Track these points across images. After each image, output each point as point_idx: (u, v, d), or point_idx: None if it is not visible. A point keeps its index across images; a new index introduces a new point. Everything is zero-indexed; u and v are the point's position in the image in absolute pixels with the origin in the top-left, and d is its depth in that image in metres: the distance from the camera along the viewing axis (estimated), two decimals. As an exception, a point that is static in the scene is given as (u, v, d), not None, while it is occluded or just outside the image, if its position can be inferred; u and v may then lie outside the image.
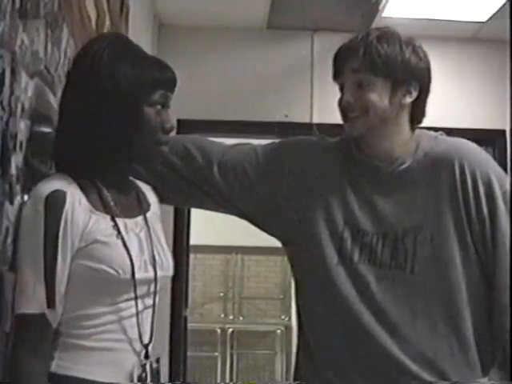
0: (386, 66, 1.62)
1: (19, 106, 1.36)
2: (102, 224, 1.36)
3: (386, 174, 1.68)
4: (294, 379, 1.81)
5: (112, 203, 1.40)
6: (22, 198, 1.42)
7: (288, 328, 6.80)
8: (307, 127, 4.08)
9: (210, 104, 4.15)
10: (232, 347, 6.98)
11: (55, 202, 1.31)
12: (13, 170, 1.35)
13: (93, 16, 2.14)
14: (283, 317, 7.02)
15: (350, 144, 1.74)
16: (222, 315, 7.20)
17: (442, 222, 1.64)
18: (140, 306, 1.38)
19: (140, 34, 3.47)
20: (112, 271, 1.33)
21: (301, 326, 1.79)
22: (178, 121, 4.11)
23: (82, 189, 1.37)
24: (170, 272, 1.48)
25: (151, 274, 1.40)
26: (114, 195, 1.42)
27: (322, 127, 3.86)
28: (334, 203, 1.69)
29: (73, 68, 1.46)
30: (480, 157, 1.71)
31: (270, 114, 4.19)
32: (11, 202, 1.34)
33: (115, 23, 2.58)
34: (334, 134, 1.83)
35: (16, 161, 1.36)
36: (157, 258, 1.43)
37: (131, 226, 1.41)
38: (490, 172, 1.66)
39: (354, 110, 1.64)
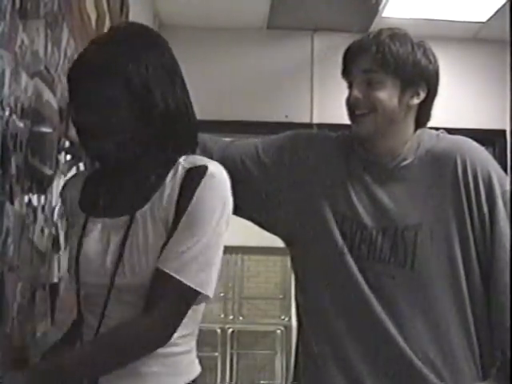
0: (397, 65, 1.62)
1: (19, 106, 1.36)
2: (79, 220, 1.40)
3: (388, 169, 1.68)
4: (294, 379, 1.80)
5: (101, 202, 1.39)
6: (22, 197, 1.42)
7: (288, 328, 6.79)
8: (307, 127, 4.08)
9: (210, 104, 4.15)
10: (232, 347, 6.97)
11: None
12: (13, 170, 1.34)
13: (93, 16, 2.13)
14: (283, 317, 7.01)
15: (351, 139, 1.73)
16: (222, 315, 7.19)
17: (444, 219, 1.64)
18: (89, 309, 1.36)
19: (140, 34, 3.46)
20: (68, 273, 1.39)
21: (300, 325, 1.78)
22: (178, 121, 4.12)
23: (87, 180, 1.45)
24: (141, 279, 1.28)
25: (106, 280, 1.30)
26: (109, 190, 1.40)
27: (321, 127, 3.85)
28: (334, 196, 1.69)
29: None
30: (481, 155, 1.71)
31: (269, 113, 4.18)
32: (11, 202, 1.34)
33: (115, 23, 2.58)
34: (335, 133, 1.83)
35: (16, 161, 1.36)
36: (125, 263, 1.28)
37: (107, 225, 1.35)
38: (491, 170, 1.66)
39: (362, 107, 1.64)
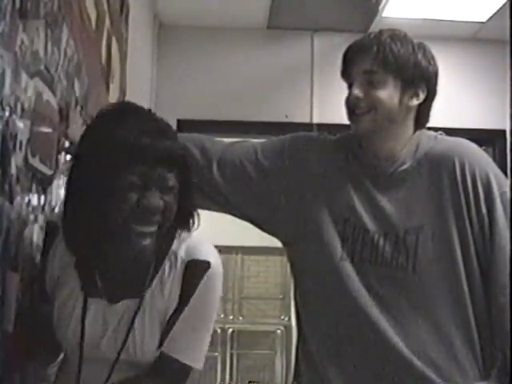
0: (398, 66, 1.62)
1: (19, 106, 1.36)
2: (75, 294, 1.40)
3: (387, 174, 1.68)
4: (294, 380, 1.80)
5: (100, 285, 1.38)
6: (22, 197, 1.42)
7: (288, 328, 6.79)
8: (307, 127, 4.08)
9: (210, 104, 4.15)
10: (232, 347, 6.97)
11: (50, 233, 1.44)
12: (13, 170, 1.34)
13: (93, 16, 2.13)
14: (283, 317, 7.02)
15: (351, 142, 1.73)
16: (222, 315, 7.19)
17: (444, 221, 1.64)
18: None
19: (140, 34, 3.47)
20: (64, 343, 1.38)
21: (299, 327, 1.78)
22: (178, 121, 4.12)
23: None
24: (143, 357, 1.37)
25: (112, 355, 1.36)
26: (102, 274, 1.39)
27: (321, 127, 3.85)
28: (335, 200, 1.69)
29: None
30: (479, 156, 1.71)
31: (270, 113, 4.19)
32: (11, 202, 1.34)
33: (115, 23, 2.58)
34: (334, 134, 1.83)
35: (16, 161, 1.36)
36: (131, 342, 1.36)
37: (104, 307, 1.38)
38: (489, 171, 1.66)
39: (362, 106, 1.63)
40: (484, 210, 1.63)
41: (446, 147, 1.70)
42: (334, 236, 1.66)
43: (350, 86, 1.68)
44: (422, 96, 1.67)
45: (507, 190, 1.66)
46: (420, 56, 1.65)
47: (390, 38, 1.64)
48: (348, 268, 1.64)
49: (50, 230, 1.44)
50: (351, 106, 1.66)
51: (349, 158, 1.72)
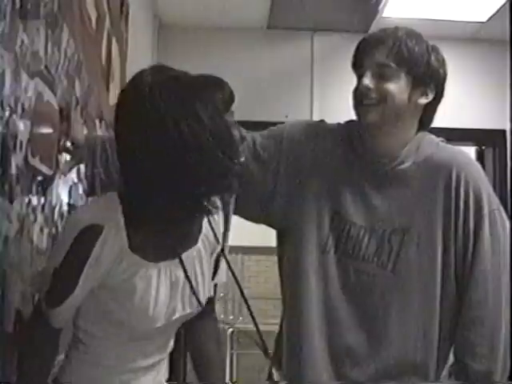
0: (412, 62, 1.62)
1: (19, 106, 1.36)
2: (132, 267, 1.34)
3: (384, 170, 1.68)
4: (268, 378, 1.81)
5: (152, 246, 1.36)
6: (22, 197, 1.42)
7: (288, 328, 6.80)
8: (307, 127, 4.08)
9: (210, 104, 4.15)
10: (232, 347, 6.98)
11: (88, 238, 1.29)
12: (13, 170, 1.35)
13: (93, 16, 2.14)
14: (283, 317, 7.02)
15: (351, 133, 1.72)
16: (222, 315, 7.19)
17: (432, 227, 1.65)
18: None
19: (140, 34, 3.47)
20: (129, 322, 1.37)
21: (282, 323, 1.78)
22: (178, 121, 4.13)
23: (127, 224, 1.32)
24: (198, 308, 1.51)
25: (176, 316, 1.44)
26: (159, 235, 1.37)
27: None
28: (327, 191, 1.68)
29: (123, 106, 1.39)
30: (476, 172, 1.72)
31: (270, 114, 4.18)
32: (11, 202, 1.34)
33: (115, 23, 2.58)
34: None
35: (16, 161, 1.36)
36: (187, 297, 1.46)
37: (165, 269, 1.39)
38: (482, 189, 1.67)
39: (371, 97, 1.62)
40: (471, 225, 1.64)
41: (446, 156, 1.70)
42: (322, 227, 1.67)
43: (359, 78, 1.66)
44: (430, 96, 1.66)
45: (496, 208, 1.67)
46: (433, 57, 1.66)
47: (406, 35, 1.65)
48: (330, 260, 1.65)
49: (88, 234, 1.29)
50: (360, 96, 1.64)
51: (346, 149, 1.71)
